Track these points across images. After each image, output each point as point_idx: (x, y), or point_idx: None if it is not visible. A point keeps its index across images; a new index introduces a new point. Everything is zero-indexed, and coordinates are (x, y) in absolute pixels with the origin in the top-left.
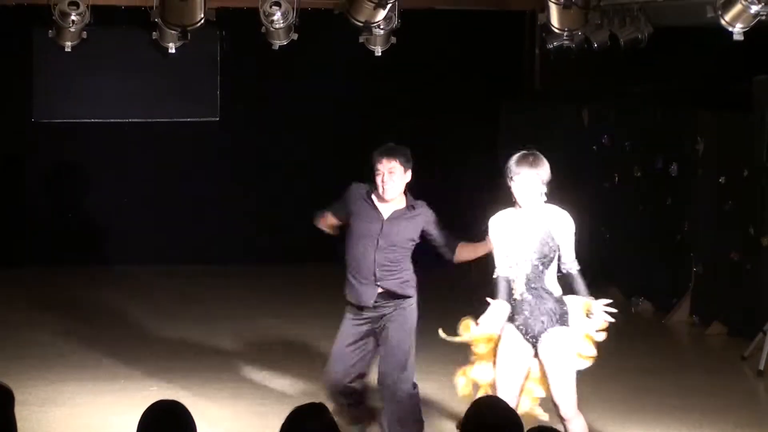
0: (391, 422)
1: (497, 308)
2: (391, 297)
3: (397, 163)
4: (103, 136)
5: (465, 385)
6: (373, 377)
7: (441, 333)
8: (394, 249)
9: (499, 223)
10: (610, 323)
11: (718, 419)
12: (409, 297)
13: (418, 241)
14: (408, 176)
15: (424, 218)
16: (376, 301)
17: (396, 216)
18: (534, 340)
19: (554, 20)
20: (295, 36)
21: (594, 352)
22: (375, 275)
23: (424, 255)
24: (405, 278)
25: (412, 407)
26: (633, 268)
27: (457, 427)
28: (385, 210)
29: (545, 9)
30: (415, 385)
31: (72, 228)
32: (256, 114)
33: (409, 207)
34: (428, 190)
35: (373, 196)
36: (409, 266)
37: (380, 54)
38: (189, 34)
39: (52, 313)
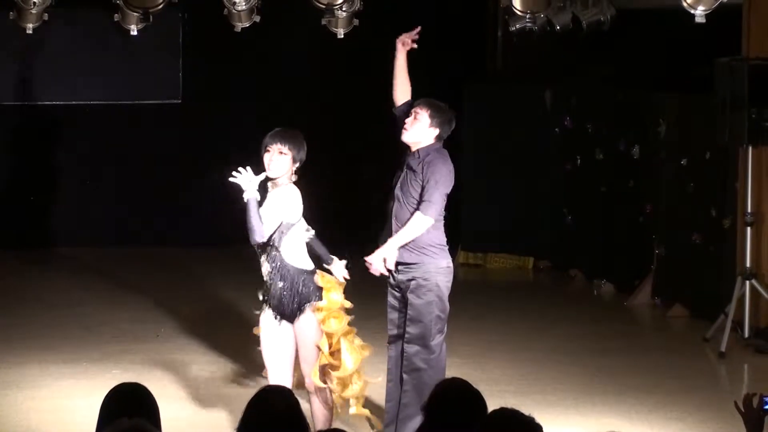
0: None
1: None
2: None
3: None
4: (64, 118)
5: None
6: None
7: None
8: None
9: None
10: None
11: (680, 400)
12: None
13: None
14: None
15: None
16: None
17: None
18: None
19: (517, 2)
20: (257, 18)
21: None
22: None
23: None
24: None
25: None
26: (595, 250)
27: (423, 408)
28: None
29: None
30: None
31: (33, 210)
32: (217, 96)
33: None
34: (390, 172)
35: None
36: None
37: (342, 36)
38: (151, 17)
39: (13, 296)
